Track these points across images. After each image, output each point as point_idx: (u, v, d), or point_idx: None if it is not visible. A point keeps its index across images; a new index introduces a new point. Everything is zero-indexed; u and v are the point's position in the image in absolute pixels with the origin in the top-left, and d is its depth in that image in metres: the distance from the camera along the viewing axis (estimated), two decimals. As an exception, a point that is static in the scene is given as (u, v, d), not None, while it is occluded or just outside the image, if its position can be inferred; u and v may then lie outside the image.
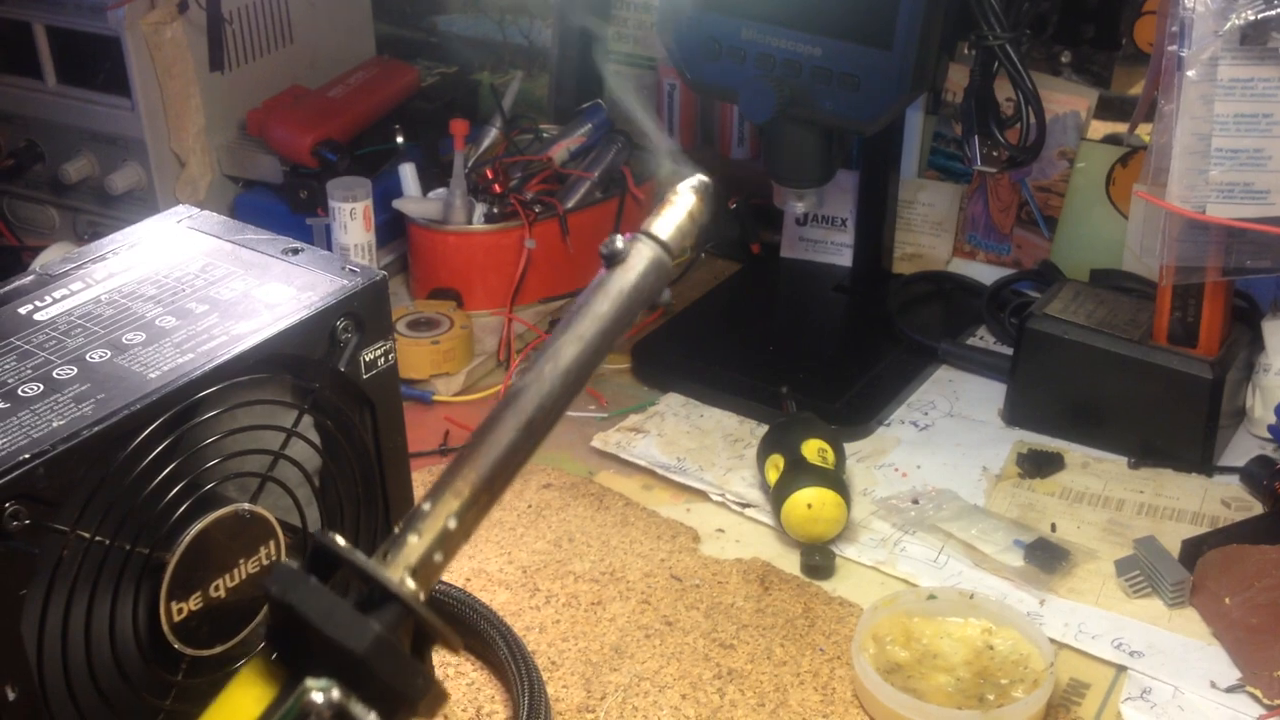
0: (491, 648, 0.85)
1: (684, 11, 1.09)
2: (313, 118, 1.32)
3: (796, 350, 1.23)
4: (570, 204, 1.29)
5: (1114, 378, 1.08)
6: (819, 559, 0.97)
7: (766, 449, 1.04)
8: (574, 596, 0.94)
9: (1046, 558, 0.97)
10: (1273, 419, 1.05)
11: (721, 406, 1.17)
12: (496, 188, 1.28)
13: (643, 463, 1.09)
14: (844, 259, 1.35)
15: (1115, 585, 0.94)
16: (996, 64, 1.04)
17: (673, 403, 1.17)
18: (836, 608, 0.93)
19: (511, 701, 0.82)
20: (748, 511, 1.03)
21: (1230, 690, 0.84)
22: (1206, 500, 1.02)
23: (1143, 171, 0.99)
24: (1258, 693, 0.83)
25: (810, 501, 0.96)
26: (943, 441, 1.11)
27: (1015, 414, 1.14)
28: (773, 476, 1.00)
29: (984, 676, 0.84)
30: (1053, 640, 0.87)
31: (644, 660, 0.88)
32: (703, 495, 1.05)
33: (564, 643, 0.89)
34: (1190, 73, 0.92)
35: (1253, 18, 0.90)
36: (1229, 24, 0.90)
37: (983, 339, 1.25)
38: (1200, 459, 1.06)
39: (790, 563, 0.97)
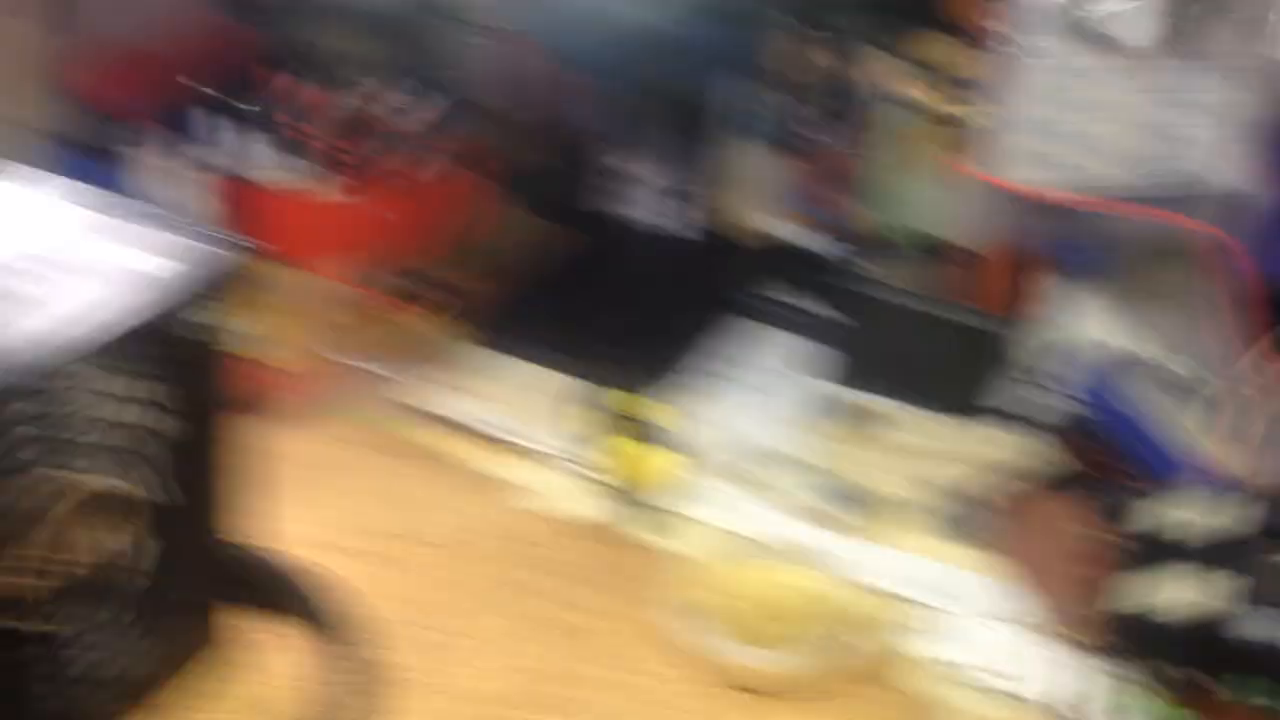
0: (307, 610, 0.85)
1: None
2: (131, 67, 1.26)
3: (619, 308, 1.25)
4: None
5: (916, 332, 1.14)
6: (645, 513, 1.00)
7: (590, 405, 1.06)
8: (406, 557, 0.94)
9: (857, 504, 1.02)
10: (1065, 373, 1.13)
11: (541, 363, 1.18)
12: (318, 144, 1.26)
13: (469, 420, 1.09)
14: (672, 223, 1.38)
15: (922, 530, 1.00)
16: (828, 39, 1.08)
17: (497, 359, 1.18)
18: (668, 562, 0.96)
19: (332, 667, 0.83)
20: (572, 466, 1.04)
21: (1040, 631, 0.90)
22: (1004, 447, 1.09)
23: (968, 148, 1.04)
24: (1068, 633, 0.89)
25: (637, 456, 0.99)
26: (756, 394, 1.16)
27: (828, 368, 1.19)
28: (598, 432, 1.02)
29: (808, 622, 0.89)
30: (871, 587, 0.92)
31: (477, 617, 0.89)
32: (525, 451, 1.07)
33: (398, 602, 0.90)
34: (1026, 57, 0.97)
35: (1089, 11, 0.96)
36: (1064, 13, 0.96)
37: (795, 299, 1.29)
38: (990, 408, 1.12)
39: (616, 517, 1.00)
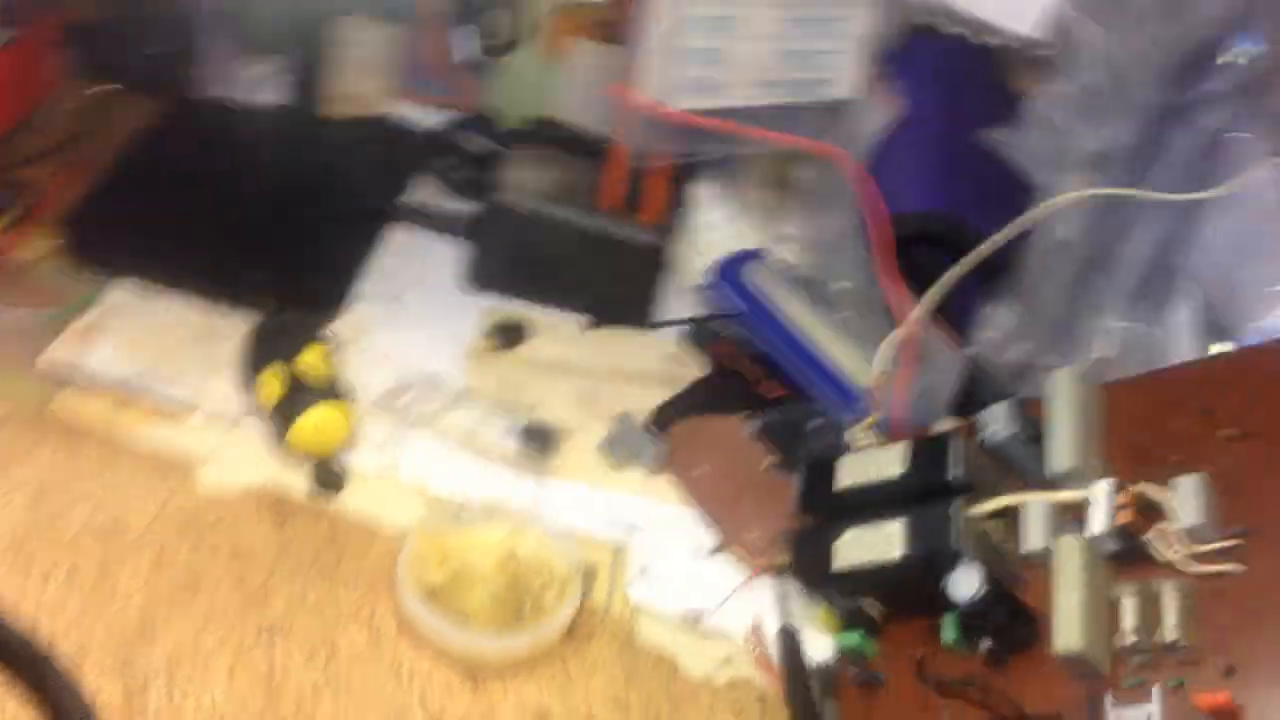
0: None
1: None
2: None
3: (240, 215, 1.14)
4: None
5: (570, 246, 1.14)
6: (330, 474, 0.96)
7: (255, 359, 0.99)
8: (75, 566, 0.86)
9: (539, 440, 1.03)
10: (698, 274, 1.17)
11: (178, 291, 1.09)
12: None
13: (106, 378, 0.99)
14: (270, 98, 1.27)
15: (601, 461, 1.03)
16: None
17: (123, 292, 1.07)
18: (359, 531, 0.93)
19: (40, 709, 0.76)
20: (238, 429, 0.98)
21: (713, 554, 0.96)
22: (660, 359, 1.13)
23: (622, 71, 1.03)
24: (738, 554, 0.96)
25: (318, 423, 0.94)
26: (414, 315, 1.13)
27: (477, 280, 1.17)
28: (268, 393, 0.97)
29: (517, 584, 0.90)
30: (563, 530, 0.94)
31: (179, 630, 0.84)
32: (183, 411, 0.98)
33: (82, 626, 0.83)
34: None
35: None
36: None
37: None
38: (646, 319, 1.16)
39: (296, 480, 0.96)
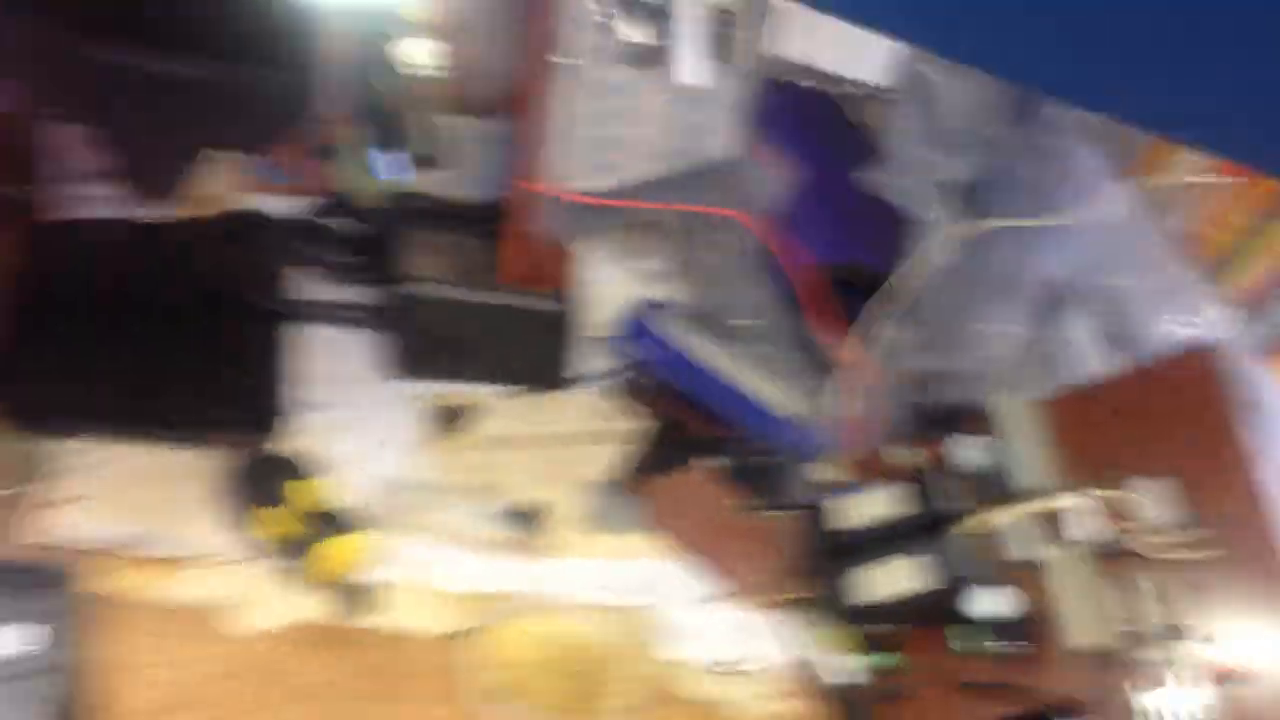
0: None
1: None
2: None
3: (146, 344, 1.13)
4: None
5: (485, 324, 1.21)
6: (357, 596, 1.01)
7: (244, 500, 1.02)
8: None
9: (526, 522, 1.11)
10: (597, 328, 1.25)
11: (135, 442, 1.08)
12: None
13: (100, 544, 1.00)
14: (118, 208, 1.24)
15: (583, 530, 1.12)
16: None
17: (81, 452, 1.06)
18: (400, 644, 0.99)
19: None
20: (249, 568, 1.01)
21: (721, 601, 1.07)
22: (594, 416, 1.22)
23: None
24: (744, 596, 1.07)
25: (346, 550, 0.99)
26: (352, 416, 1.16)
27: (402, 368, 1.22)
28: (276, 531, 1.00)
29: (572, 668, 0.99)
30: (584, 605, 1.03)
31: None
32: (182, 561, 1.00)
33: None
34: (569, 77, 1.05)
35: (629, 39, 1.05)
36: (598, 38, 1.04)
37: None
38: (565, 380, 1.24)
39: (319, 606, 1.00)
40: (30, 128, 1.19)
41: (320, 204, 1.32)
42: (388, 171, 1.08)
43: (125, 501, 1.02)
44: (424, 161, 1.08)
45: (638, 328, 1.24)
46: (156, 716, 0.88)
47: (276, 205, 1.30)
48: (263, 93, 0.97)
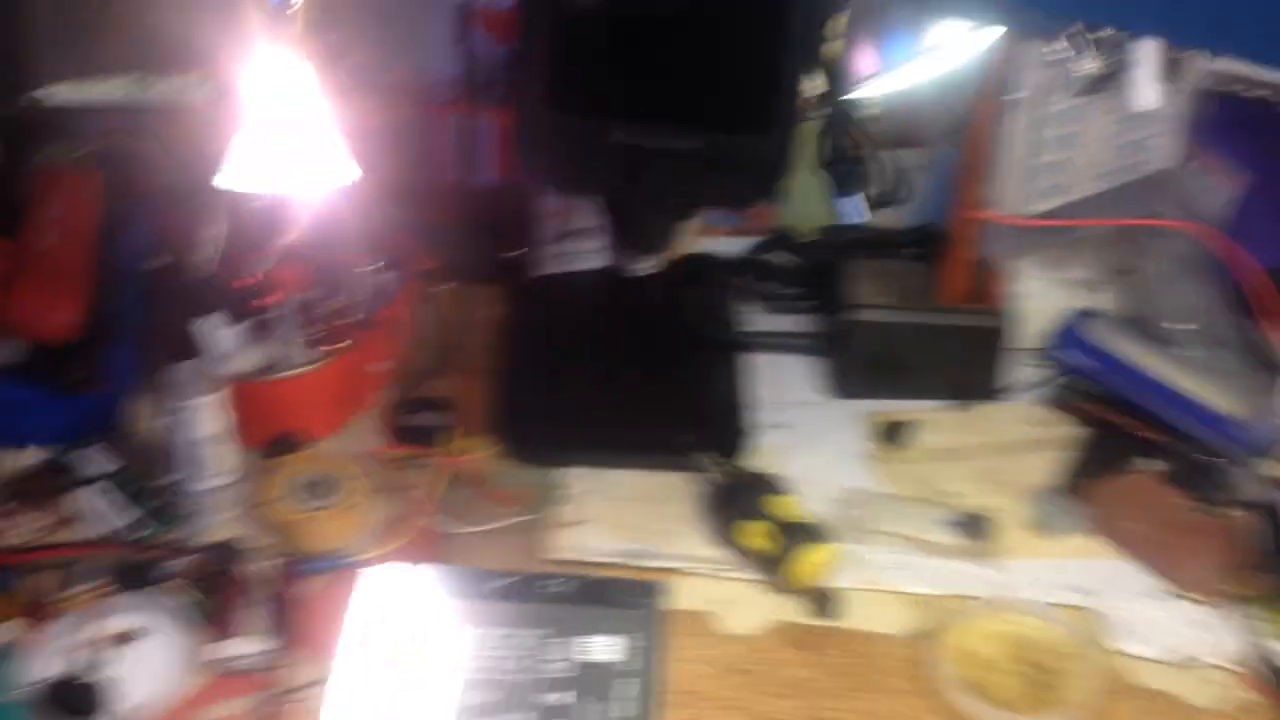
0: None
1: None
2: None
3: (627, 380, 1.29)
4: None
5: (924, 344, 1.30)
6: (827, 601, 1.12)
7: (730, 515, 1.15)
8: None
9: (974, 528, 1.18)
10: (1033, 340, 1.33)
11: (623, 468, 1.24)
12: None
13: (611, 558, 1.16)
14: (595, 262, 1.41)
15: (1031, 534, 1.18)
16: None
17: (579, 479, 1.22)
18: (872, 642, 1.09)
19: None
20: (732, 574, 1.13)
21: (1176, 598, 1.11)
22: (1031, 425, 1.29)
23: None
24: (1196, 596, 1.11)
25: (819, 560, 1.10)
26: (804, 435, 1.28)
27: (844, 390, 1.33)
28: (756, 543, 1.12)
29: (1034, 666, 1.06)
30: (1039, 606, 1.09)
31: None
32: (671, 572, 1.13)
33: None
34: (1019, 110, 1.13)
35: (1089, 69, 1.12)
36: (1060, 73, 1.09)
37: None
38: (1001, 392, 1.31)
39: (796, 609, 1.11)
40: (528, 196, 1.39)
41: (762, 241, 1.46)
42: (851, 215, 1.19)
43: (622, 521, 1.18)
44: (881, 202, 1.18)
45: (1069, 336, 1.29)
46: (672, 710, 1.02)
47: (724, 245, 1.45)
48: (750, 158, 1.06)
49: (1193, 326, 1.23)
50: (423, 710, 0.83)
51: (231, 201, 1.17)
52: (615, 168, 1.12)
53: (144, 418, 1.20)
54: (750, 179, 1.12)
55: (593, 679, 0.86)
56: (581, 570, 1.10)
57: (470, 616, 0.87)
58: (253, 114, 0.99)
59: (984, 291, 1.28)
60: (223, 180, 1.00)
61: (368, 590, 0.87)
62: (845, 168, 1.18)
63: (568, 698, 0.85)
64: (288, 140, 0.99)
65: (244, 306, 1.19)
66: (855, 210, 1.21)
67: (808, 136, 1.28)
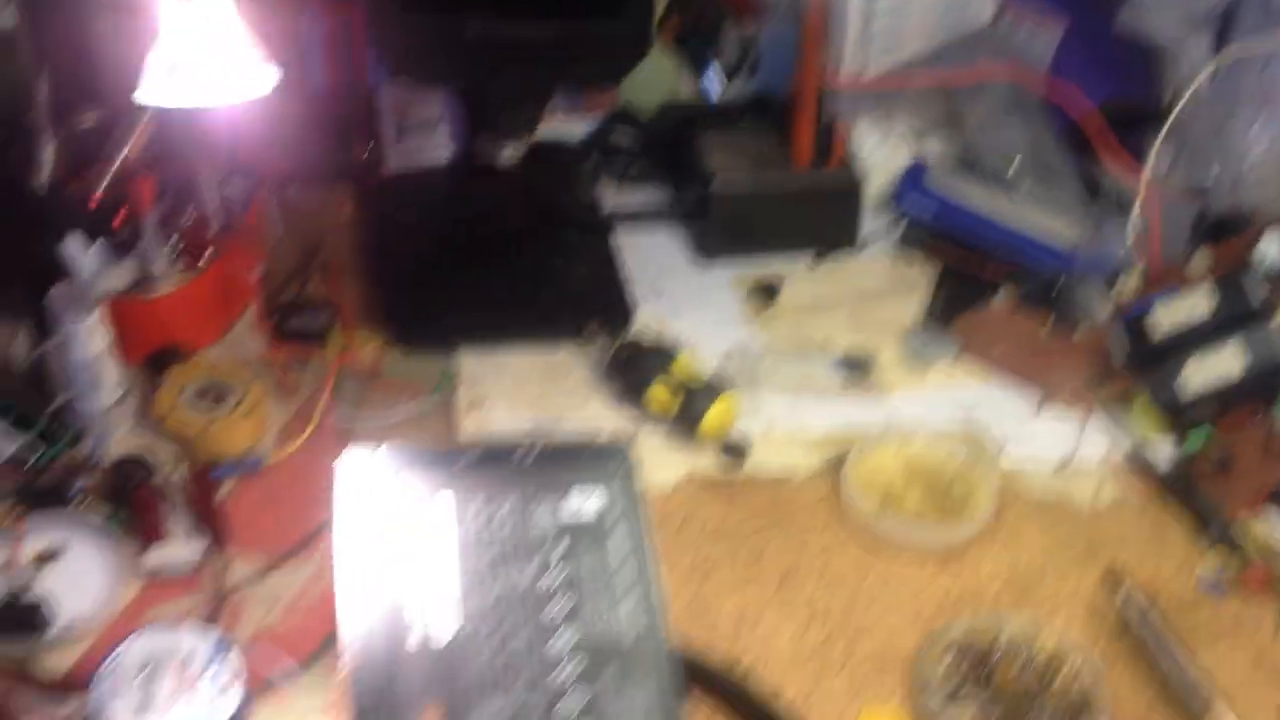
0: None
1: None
2: None
3: (500, 265, 1.30)
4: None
5: (782, 206, 1.36)
6: (736, 448, 1.17)
7: (632, 380, 1.19)
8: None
9: (857, 368, 1.26)
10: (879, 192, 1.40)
11: (512, 348, 1.25)
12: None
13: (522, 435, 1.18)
14: (441, 155, 1.42)
15: (909, 368, 1.27)
16: None
17: (470, 364, 1.24)
18: (779, 484, 1.14)
19: None
20: (644, 438, 1.17)
21: (1042, 410, 1.22)
22: (889, 270, 1.38)
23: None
24: (1062, 402, 1.21)
25: (723, 411, 1.16)
26: (680, 301, 1.33)
27: (711, 253, 1.38)
28: (662, 404, 1.17)
29: (932, 485, 1.14)
30: (927, 430, 1.17)
31: (734, 603, 1.06)
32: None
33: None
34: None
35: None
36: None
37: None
38: (857, 241, 1.39)
39: (707, 462, 1.15)
40: (371, 93, 1.37)
41: (604, 121, 1.48)
42: (714, 85, 1.22)
43: (523, 398, 1.20)
44: (733, 72, 1.22)
45: (909, 185, 1.37)
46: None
47: (564, 128, 1.46)
48: (606, 42, 1.08)
49: (1017, 162, 1.33)
50: (428, 575, 0.84)
51: (63, 121, 1.13)
52: (473, 60, 1.13)
53: (14, 345, 1.14)
54: (607, 62, 1.14)
55: (584, 530, 0.88)
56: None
57: (449, 487, 0.88)
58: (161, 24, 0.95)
59: (830, 152, 1.34)
60: (142, 95, 0.96)
61: (344, 475, 0.87)
62: (699, 42, 1.21)
63: (563, 549, 0.87)
64: (198, 49, 0.96)
65: (97, 225, 1.14)
66: (714, 83, 1.25)
67: (658, 13, 1.31)
